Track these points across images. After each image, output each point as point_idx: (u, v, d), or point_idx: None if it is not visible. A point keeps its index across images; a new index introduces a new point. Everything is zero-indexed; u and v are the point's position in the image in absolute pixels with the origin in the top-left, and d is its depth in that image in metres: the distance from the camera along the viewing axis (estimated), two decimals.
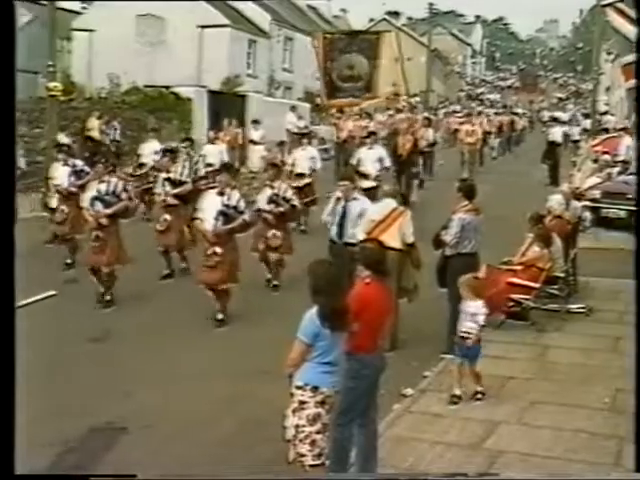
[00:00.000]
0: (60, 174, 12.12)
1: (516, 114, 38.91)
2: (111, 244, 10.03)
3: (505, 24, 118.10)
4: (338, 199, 9.03)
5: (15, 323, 4.78)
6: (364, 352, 5.35)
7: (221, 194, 9.40)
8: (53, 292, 10.24)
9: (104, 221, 9.95)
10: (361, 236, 8.39)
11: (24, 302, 9.80)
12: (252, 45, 34.50)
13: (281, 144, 16.63)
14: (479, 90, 73.72)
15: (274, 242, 10.69)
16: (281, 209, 10.73)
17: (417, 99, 44.08)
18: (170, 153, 12.67)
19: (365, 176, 14.15)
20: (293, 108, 26.82)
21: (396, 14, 68.39)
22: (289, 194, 10.91)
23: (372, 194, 12.68)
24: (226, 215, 9.29)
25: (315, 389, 4.94)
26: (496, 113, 35.22)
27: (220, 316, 9.35)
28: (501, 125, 31.78)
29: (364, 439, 5.51)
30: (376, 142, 15.97)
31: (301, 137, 16.41)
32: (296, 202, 11.05)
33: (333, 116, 21.86)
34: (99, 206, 10.02)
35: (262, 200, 10.82)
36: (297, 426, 4.93)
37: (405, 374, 7.46)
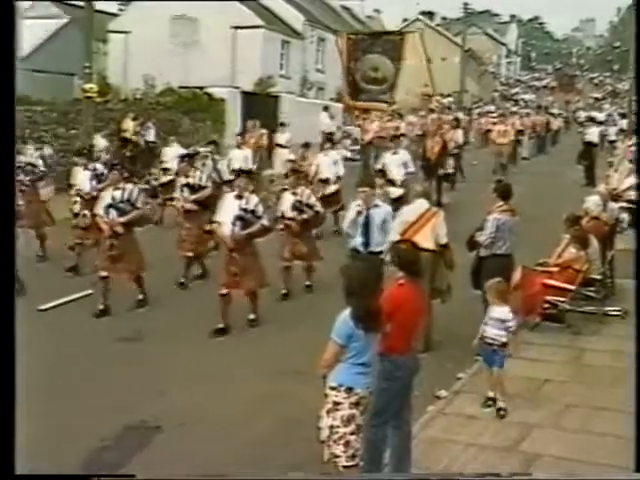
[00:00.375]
0: (81, 179, 11.94)
1: (551, 114, 38.38)
2: (129, 252, 9.78)
3: (541, 23, 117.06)
4: (359, 209, 8.57)
5: (15, 323, 4.78)
6: (397, 353, 5.33)
7: (239, 198, 9.19)
8: (90, 291, 10.30)
9: (119, 229, 9.69)
10: (395, 237, 8.34)
11: (59, 301, 10.00)
12: (285, 46, 34.59)
13: (305, 146, 16.37)
14: (513, 90, 73.09)
15: (300, 249, 10.51)
16: (305, 216, 10.51)
17: (450, 99, 43.90)
18: (189, 158, 12.56)
19: (392, 182, 13.88)
20: (326, 108, 26.82)
21: (430, 14, 68.15)
22: (312, 200, 10.67)
23: (400, 202, 12.39)
24: (244, 220, 9.09)
25: (349, 390, 4.93)
26: (527, 114, 34.36)
27: (252, 316, 9.34)
28: (534, 125, 31.28)
29: (398, 440, 5.49)
30: (400, 146, 15.67)
31: (326, 140, 16.13)
32: (319, 208, 10.78)
33: (358, 117, 21.26)
34: (113, 214, 9.77)
35: (285, 207, 10.57)
36: (331, 427, 4.92)
37: (439, 376, 7.41)
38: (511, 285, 8.64)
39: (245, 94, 26.42)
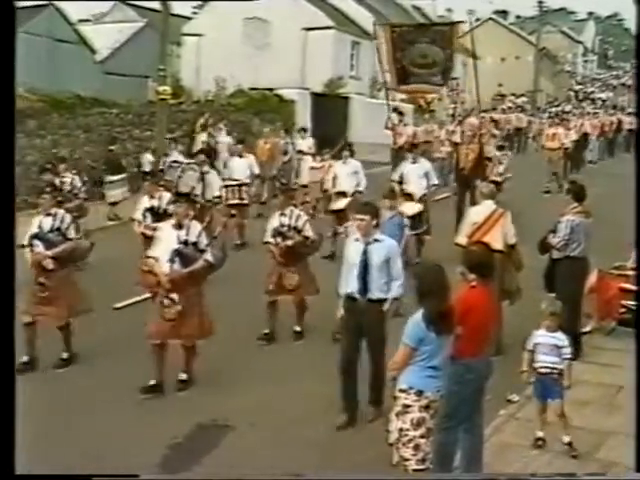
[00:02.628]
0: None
1: (628, 113, 37.01)
2: (63, 294, 7.92)
3: (619, 20, 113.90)
4: (356, 240, 6.85)
5: (15, 323, 4.81)
6: (469, 356, 5.26)
7: (178, 227, 7.58)
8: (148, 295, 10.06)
9: (49, 264, 7.84)
10: (462, 240, 8.27)
11: (122, 304, 9.97)
12: (355, 47, 34.56)
13: (327, 153, 14.58)
14: (589, 89, 71.38)
15: (289, 281, 8.75)
16: (288, 242, 8.76)
17: (524, 99, 43.15)
18: (151, 176, 11.27)
19: (410, 197, 11.96)
20: (395, 109, 26.67)
21: (504, 13, 67.14)
22: (301, 223, 8.91)
23: (417, 221, 11.49)
24: (183, 255, 7.49)
25: (420, 393, 4.89)
26: (596, 114, 31.40)
27: (184, 376, 7.52)
28: (603, 126, 28.27)
29: (469, 444, 5.42)
30: (419, 154, 13.48)
31: (346, 146, 14.09)
32: (309, 233, 8.92)
33: (389, 119, 19.31)
34: (40, 246, 7.91)
35: (268, 231, 8.97)
36: (401, 430, 4.89)
37: (511, 380, 7.27)
38: (586, 288, 8.50)
39: (315, 95, 26.52)
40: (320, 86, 29.04)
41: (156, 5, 21.08)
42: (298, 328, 8.93)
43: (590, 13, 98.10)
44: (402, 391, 4.93)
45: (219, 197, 12.25)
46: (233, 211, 13.16)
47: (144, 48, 26.62)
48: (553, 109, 37.48)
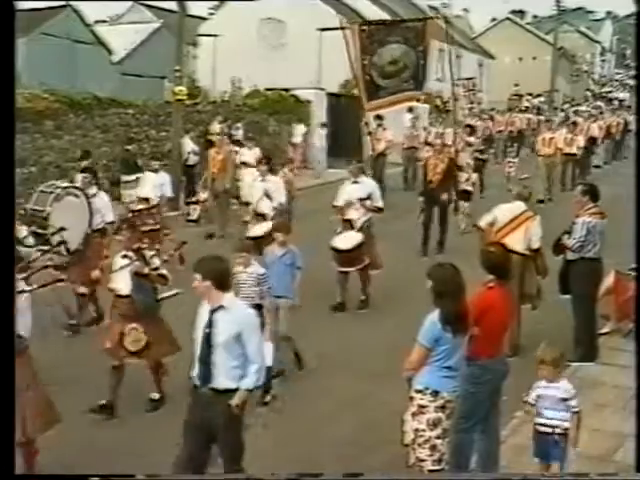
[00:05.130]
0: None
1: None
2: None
3: (638, 19, 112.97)
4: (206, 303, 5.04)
5: (14, 323, 4.78)
6: (485, 357, 5.25)
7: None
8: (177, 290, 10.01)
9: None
10: (482, 224, 8.36)
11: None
12: None
13: (267, 162, 11.80)
14: (607, 89, 70.92)
15: (135, 340, 6.78)
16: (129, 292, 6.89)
17: (541, 99, 42.93)
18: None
19: (349, 224, 10.00)
20: (410, 110, 26.55)
21: (521, 12, 66.83)
22: (156, 261, 6.98)
23: (358, 253, 9.63)
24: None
25: (435, 393, 4.87)
26: (601, 113, 29.62)
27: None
28: (609, 127, 26.22)
29: (485, 445, 5.39)
30: (363, 172, 10.86)
31: (263, 159, 12.06)
32: (165, 271, 6.94)
33: (367, 125, 17.82)
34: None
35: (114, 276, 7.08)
36: (417, 430, 4.87)
37: (528, 381, 7.22)
38: (601, 290, 8.46)
39: (331, 96, 26.52)
40: (336, 86, 29.03)
41: (172, 6, 21.14)
42: (156, 395, 7.03)
43: (608, 12, 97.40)
44: (418, 391, 4.91)
45: (112, 223, 9.49)
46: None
47: (160, 49, 26.73)
48: (562, 113, 36.08)
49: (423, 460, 4.87)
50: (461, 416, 5.21)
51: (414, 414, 4.90)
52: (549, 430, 5.12)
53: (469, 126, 19.44)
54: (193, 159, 17.42)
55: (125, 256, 6.95)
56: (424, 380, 4.90)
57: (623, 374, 7.43)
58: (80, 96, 17.57)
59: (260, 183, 11.19)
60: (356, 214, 10.02)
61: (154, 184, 12.06)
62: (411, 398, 4.93)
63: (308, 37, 31.18)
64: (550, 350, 5.17)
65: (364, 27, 14.25)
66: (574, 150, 19.49)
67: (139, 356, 6.83)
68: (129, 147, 16.66)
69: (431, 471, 4.85)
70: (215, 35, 32.02)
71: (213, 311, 4.88)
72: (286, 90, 25.30)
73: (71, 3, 27.24)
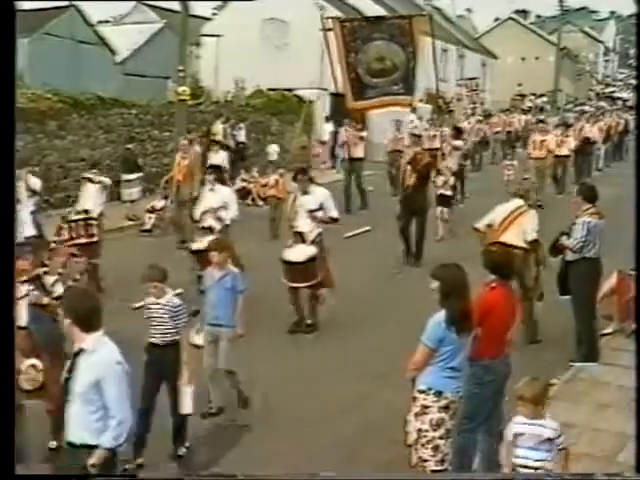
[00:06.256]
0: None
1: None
2: None
3: None
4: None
5: (14, 322, 4.71)
6: (488, 358, 5.25)
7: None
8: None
9: None
10: (480, 226, 8.47)
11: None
12: None
13: (212, 172, 10.69)
14: (610, 89, 70.83)
15: (31, 379, 5.93)
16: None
17: (544, 99, 42.92)
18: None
19: (300, 237, 9.18)
20: (414, 109, 26.52)
21: (524, 12, 66.79)
22: (59, 289, 6.27)
23: (309, 269, 8.83)
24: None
25: (439, 394, 4.87)
26: (598, 115, 28.97)
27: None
28: (609, 129, 25.35)
29: (488, 445, 5.38)
30: (312, 182, 9.64)
31: (213, 171, 10.84)
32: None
33: (346, 131, 17.03)
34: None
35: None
36: (420, 430, 4.87)
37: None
38: (604, 290, 8.51)
39: (334, 96, 26.53)
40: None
41: (175, 6, 21.17)
42: (53, 444, 5.95)
43: (611, 12, 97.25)
44: (421, 392, 4.91)
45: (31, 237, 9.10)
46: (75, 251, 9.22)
47: (163, 49, 26.76)
48: (567, 114, 35.67)
49: (426, 460, 4.87)
50: (465, 417, 5.21)
51: (417, 414, 4.89)
52: (531, 471, 4.52)
53: (456, 129, 18.49)
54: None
55: (25, 282, 6.03)
56: (427, 380, 4.90)
57: (626, 375, 7.41)
58: (83, 96, 17.60)
59: (208, 193, 10.16)
60: (307, 226, 9.16)
61: (92, 195, 11.16)
62: (414, 398, 4.93)
63: (311, 37, 31.18)
64: (531, 386, 4.56)
65: (346, 23, 13.46)
66: (565, 152, 18.83)
67: (36, 396, 5.91)
68: (129, 146, 16.67)
69: (434, 471, 4.85)
70: (218, 35, 32.01)
71: (75, 354, 4.26)
72: (289, 90, 25.33)
73: (75, 3, 27.26)
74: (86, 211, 10.65)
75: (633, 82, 77.84)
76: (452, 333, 4.83)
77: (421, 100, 33.21)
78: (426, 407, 4.87)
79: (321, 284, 9.02)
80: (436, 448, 4.86)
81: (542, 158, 18.00)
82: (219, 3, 35.53)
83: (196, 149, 14.82)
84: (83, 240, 10.11)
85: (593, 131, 22.41)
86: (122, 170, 15.93)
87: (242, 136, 21.31)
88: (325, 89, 27.03)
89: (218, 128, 20.69)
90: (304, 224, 9.18)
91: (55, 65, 23.91)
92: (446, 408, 4.88)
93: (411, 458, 4.92)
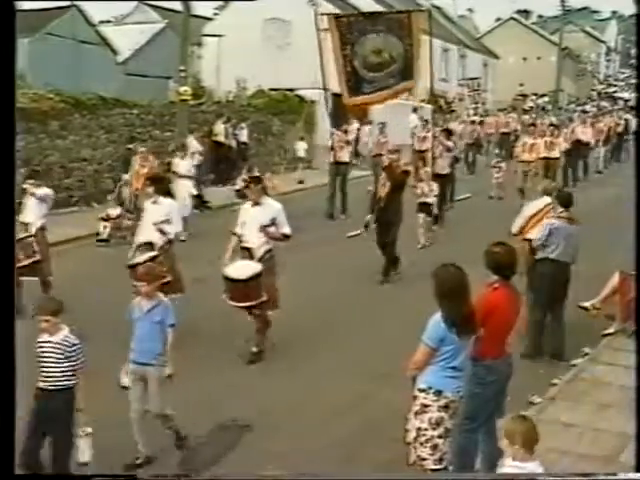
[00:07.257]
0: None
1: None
2: None
3: None
4: None
5: (15, 322, 4.66)
6: (491, 358, 5.24)
7: None
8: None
9: None
10: (515, 229, 8.66)
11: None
12: None
13: (152, 182, 9.38)
14: (611, 89, 70.78)
15: None
16: None
17: (546, 99, 42.91)
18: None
19: (248, 252, 8.28)
20: (415, 110, 26.51)
21: (526, 12, 66.79)
22: None
23: (255, 288, 7.93)
24: None
25: (439, 393, 4.87)
26: (595, 116, 28.64)
27: None
28: (609, 130, 24.88)
29: (490, 446, 5.37)
30: (265, 193, 8.72)
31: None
32: None
33: (332, 134, 16.86)
34: None
35: None
36: (419, 429, 4.87)
37: (533, 381, 7.24)
38: (606, 290, 8.71)
39: (336, 96, 26.52)
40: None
41: (177, 6, 21.17)
42: None
43: (613, 12, 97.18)
44: (421, 390, 4.91)
45: None
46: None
47: (165, 49, 26.78)
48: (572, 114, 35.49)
49: (424, 459, 4.87)
50: (466, 417, 5.21)
51: (417, 413, 4.89)
52: None
53: (447, 130, 17.58)
54: (198, 159, 17.47)
55: None
56: (428, 379, 4.90)
57: (628, 375, 7.41)
58: (85, 96, 17.62)
59: (150, 207, 8.97)
60: (256, 242, 8.27)
61: (32, 207, 9.71)
62: (414, 397, 4.93)
63: (313, 37, 31.16)
64: (520, 428, 4.05)
65: (342, 19, 13.12)
66: (556, 154, 18.09)
67: None
68: (131, 146, 16.68)
69: (432, 470, 4.85)
70: (220, 35, 32.02)
71: None
72: (291, 90, 25.33)
73: (76, 3, 27.30)
74: (26, 227, 9.50)
75: (635, 82, 77.79)
76: (453, 334, 4.82)
77: (422, 100, 33.24)
78: (426, 406, 4.87)
79: (266, 305, 8.09)
80: (435, 447, 4.86)
81: (530, 162, 17.37)
82: (221, 3, 35.49)
83: (154, 158, 14.51)
84: (25, 262, 9.09)
85: (586, 132, 21.81)
86: (123, 170, 15.94)
87: (244, 136, 21.34)
88: (327, 89, 27.05)
89: (220, 128, 20.71)
90: (253, 238, 8.28)
91: (57, 65, 23.94)
92: (446, 407, 4.88)
93: (409, 456, 4.93)
